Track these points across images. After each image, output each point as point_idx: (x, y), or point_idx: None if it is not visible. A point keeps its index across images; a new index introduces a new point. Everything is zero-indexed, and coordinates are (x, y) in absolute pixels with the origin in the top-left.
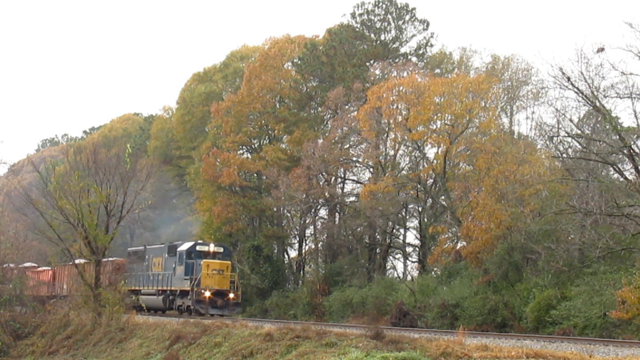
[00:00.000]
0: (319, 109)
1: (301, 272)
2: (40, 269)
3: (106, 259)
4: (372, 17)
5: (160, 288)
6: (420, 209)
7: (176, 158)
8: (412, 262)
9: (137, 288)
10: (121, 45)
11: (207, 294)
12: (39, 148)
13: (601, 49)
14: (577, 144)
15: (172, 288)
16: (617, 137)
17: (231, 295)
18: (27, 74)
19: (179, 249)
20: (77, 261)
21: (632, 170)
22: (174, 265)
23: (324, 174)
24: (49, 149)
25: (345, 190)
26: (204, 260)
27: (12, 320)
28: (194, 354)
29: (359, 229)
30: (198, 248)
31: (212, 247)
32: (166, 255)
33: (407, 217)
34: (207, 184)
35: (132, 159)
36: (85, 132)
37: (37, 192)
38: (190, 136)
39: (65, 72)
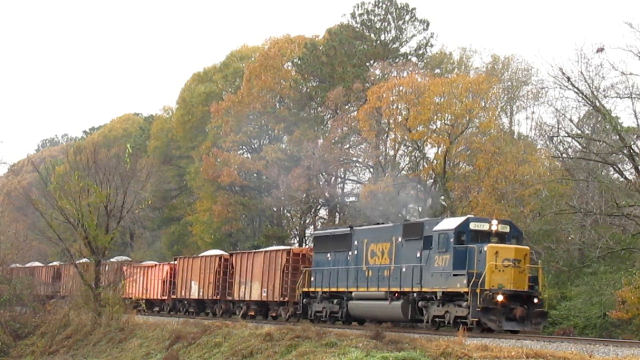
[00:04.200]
0: (319, 109)
1: None
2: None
3: (205, 254)
4: (372, 17)
5: (393, 289)
6: (420, 209)
7: (176, 158)
8: None
9: (335, 289)
10: (121, 45)
11: (500, 297)
12: (38, 148)
13: (601, 49)
14: (577, 144)
15: (424, 289)
16: (617, 137)
17: (534, 300)
18: (27, 74)
19: (436, 228)
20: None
21: (632, 170)
22: (419, 254)
23: (323, 174)
24: (49, 149)
25: (345, 190)
26: (489, 244)
27: (12, 320)
28: (194, 354)
29: None
30: (473, 226)
31: (494, 225)
32: (399, 239)
33: (407, 217)
34: (207, 183)
35: (132, 158)
36: (85, 132)
37: (37, 192)
38: (190, 136)
39: (65, 72)
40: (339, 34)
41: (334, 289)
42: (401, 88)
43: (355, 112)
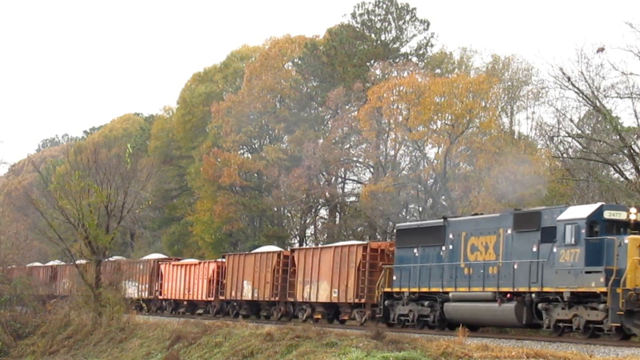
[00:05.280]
0: (320, 109)
1: None
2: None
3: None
4: (373, 17)
5: (503, 289)
6: (420, 209)
7: (176, 158)
8: None
9: (426, 289)
10: (121, 45)
11: None
12: (39, 148)
13: (601, 49)
14: (578, 144)
15: (545, 289)
16: (618, 137)
17: None
18: (27, 74)
19: (560, 217)
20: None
21: (633, 170)
22: (535, 248)
23: (324, 174)
24: (49, 149)
25: (345, 190)
26: (630, 236)
27: (12, 320)
28: (194, 354)
29: (359, 229)
30: (608, 214)
31: (633, 214)
32: (509, 231)
33: (408, 217)
34: (208, 183)
35: (132, 158)
36: (85, 132)
37: (38, 192)
38: (191, 136)
39: (65, 72)
40: (339, 33)
41: (424, 289)
42: (401, 88)
43: (356, 112)
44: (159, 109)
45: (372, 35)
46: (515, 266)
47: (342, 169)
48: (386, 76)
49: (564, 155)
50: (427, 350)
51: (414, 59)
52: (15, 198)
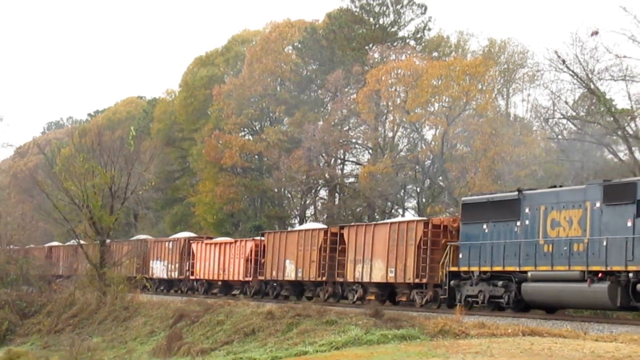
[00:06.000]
0: (319, 91)
1: None
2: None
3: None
4: (371, 1)
5: (593, 269)
6: (418, 190)
7: (179, 140)
8: None
9: (499, 268)
10: (125, 29)
11: None
12: (44, 131)
13: (595, 33)
14: (572, 126)
15: None
16: (612, 118)
17: None
18: (33, 57)
19: None
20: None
21: (626, 152)
22: (630, 223)
23: (323, 155)
24: (54, 131)
25: (344, 171)
26: None
27: (18, 299)
28: (197, 332)
29: (358, 210)
30: None
31: None
32: (597, 204)
33: (406, 197)
34: (210, 165)
35: (135, 141)
36: (89, 115)
37: (43, 174)
38: (193, 119)
39: (70, 56)
40: (338, 18)
41: (498, 268)
42: (399, 71)
43: (355, 95)
44: (162, 92)
45: (371, 19)
46: (605, 243)
47: (341, 151)
48: (384, 59)
49: (559, 136)
50: (425, 328)
51: (412, 43)
52: (21, 180)
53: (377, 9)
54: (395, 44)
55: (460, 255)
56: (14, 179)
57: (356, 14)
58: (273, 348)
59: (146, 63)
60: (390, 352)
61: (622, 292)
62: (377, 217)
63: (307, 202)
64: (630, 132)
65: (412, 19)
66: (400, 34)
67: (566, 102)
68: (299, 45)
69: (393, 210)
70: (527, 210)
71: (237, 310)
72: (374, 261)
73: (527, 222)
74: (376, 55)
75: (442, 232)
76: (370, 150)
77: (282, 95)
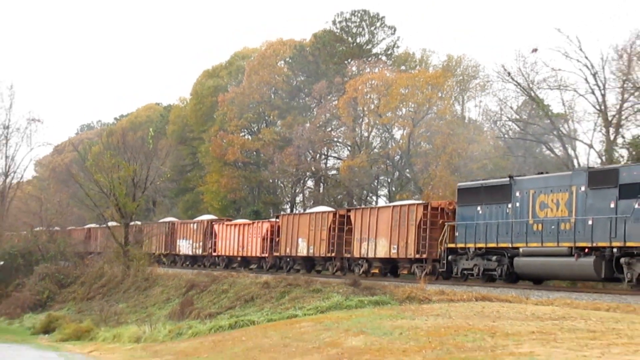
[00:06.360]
0: (307, 99)
1: None
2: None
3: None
4: (350, 24)
5: (580, 244)
6: (389, 180)
7: (190, 139)
8: None
9: (493, 245)
10: (145, 46)
11: None
12: (77, 132)
13: (535, 50)
14: (516, 127)
15: (629, 244)
16: (549, 121)
17: None
18: (68, 68)
19: None
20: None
21: (561, 148)
22: (612, 204)
23: (310, 151)
24: (86, 132)
25: (328, 165)
26: None
27: (57, 272)
28: (205, 298)
29: (339, 197)
30: None
31: None
32: (582, 189)
33: (378, 186)
34: (215, 160)
35: (154, 140)
36: (115, 118)
37: (77, 168)
38: (202, 121)
39: (99, 68)
40: (322, 37)
41: (492, 245)
42: (373, 82)
43: (336, 102)
44: (176, 99)
45: (349, 39)
46: (590, 222)
47: (325, 148)
48: (361, 72)
49: (505, 136)
50: (395, 295)
51: (383, 58)
52: (59, 173)
53: (354, 30)
54: (369, 59)
55: (457, 234)
56: (52, 172)
57: (337, 34)
58: (268, 312)
59: (163, 75)
60: (366, 315)
61: (606, 265)
62: (355, 203)
63: (297, 190)
64: (564, 132)
65: (383, 38)
66: (374, 50)
67: (511, 107)
68: (290, 60)
69: (368, 198)
70: (517, 194)
71: (238, 281)
72: (378, 239)
73: (517, 204)
74: (354, 68)
75: (440, 214)
76: (349, 148)
77: (276, 102)
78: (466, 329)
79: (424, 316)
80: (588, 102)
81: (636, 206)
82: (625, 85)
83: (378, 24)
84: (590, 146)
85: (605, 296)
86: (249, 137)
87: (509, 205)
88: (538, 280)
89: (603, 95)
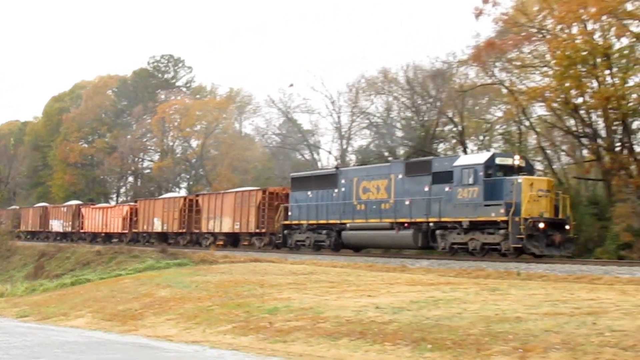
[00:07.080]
0: (128, 117)
1: None
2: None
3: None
4: (159, 64)
5: (401, 220)
6: (188, 177)
7: (41, 147)
8: None
9: (324, 221)
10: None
11: (541, 225)
12: None
13: (291, 85)
14: (278, 139)
15: (443, 219)
16: (301, 135)
17: (566, 227)
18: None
19: (457, 163)
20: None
21: (309, 154)
22: (427, 188)
23: (131, 156)
24: None
25: (143, 165)
26: (523, 176)
27: None
28: (53, 263)
29: (152, 189)
30: (499, 160)
31: (516, 160)
32: (400, 176)
33: (180, 181)
34: (61, 162)
35: (14, 147)
36: None
37: None
38: (50, 133)
39: None
40: (140, 73)
41: (322, 221)
42: (176, 106)
43: (150, 120)
44: (30, 117)
45: (159, 75)
46: (408, 202)
47: (142, 153)
48: (167, 99)
49: (271, 145)
50: (192, 259)
51: (184, 89)
52: None
53: (163, 68)
54: (174, 89)
55: (290, 213)
56: None
57: (150, 71)
58: (100, 272)
59: (20, 96)
60: (171, 273)
61: (423, 236)
62: (162, 192)
63: (121, 184)
64: (312, 142)
65: (184, 75)
66: (177, 84)
67: (274, 125)
68: (116, 90)
69: (173, 190)
70: (343, 181)
71: (78, 250)
72: (223, 218)
73: (343, 189)
74: (162, 96)
75: (276, 198)
76: (159, 153)
77: (106, 119)
78: (243, 282)
79: (213, 273)
80: (328, 122)
81: (446, 189)
82: (353, 110)
83: (180, 65)
84: (330, 152)
85: (341, 257)
86: (86, 145)
87: (336, 190)
88: (358, 248)
89: (339, 117)
